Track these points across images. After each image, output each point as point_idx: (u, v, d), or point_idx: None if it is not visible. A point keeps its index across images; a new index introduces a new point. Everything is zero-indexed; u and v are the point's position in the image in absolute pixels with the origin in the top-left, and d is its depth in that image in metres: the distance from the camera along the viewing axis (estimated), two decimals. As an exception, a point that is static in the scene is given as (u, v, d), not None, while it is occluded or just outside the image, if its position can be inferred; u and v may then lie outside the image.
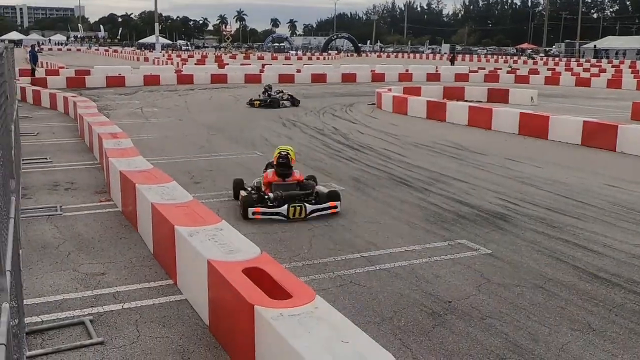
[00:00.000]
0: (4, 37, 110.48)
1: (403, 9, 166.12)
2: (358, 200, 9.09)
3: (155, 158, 12.03)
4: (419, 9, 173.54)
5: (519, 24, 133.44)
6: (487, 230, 7.67)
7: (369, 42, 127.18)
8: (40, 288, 5.68)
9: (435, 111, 19.40)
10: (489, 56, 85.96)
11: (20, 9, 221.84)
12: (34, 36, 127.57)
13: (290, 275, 4.50)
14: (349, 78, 36.07)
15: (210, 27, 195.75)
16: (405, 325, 4.99)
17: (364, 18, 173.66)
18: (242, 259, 4.78)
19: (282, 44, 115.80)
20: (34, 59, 32.94)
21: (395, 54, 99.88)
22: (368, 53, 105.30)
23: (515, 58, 78.07)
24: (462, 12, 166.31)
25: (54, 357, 4.47)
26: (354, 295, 5.60)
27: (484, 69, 45.69)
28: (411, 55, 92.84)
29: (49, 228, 7.55)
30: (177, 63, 48.46)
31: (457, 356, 4.53)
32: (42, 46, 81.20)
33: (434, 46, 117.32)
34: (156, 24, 65.50)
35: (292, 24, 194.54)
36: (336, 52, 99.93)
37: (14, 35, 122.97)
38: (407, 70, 39.55)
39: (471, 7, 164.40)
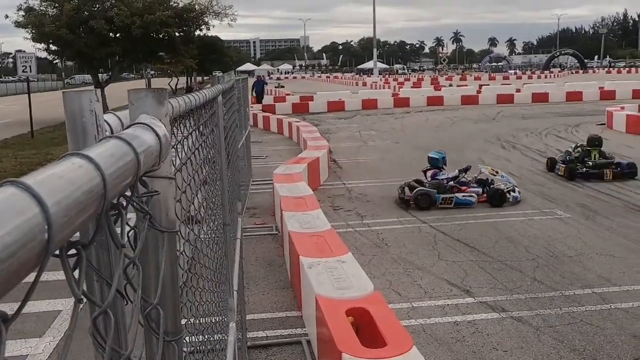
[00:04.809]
0: (239, 68, 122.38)
1: (637, 19, 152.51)
2: (587, 230, 8.32)
3: (371, 180, 12.28)
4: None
5: None
6: None
7: (596, 57, 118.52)
8: (266, 304, 6.01)
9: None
10: None
11: (254, 42, 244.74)
12: (265, 66, 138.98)
13: (393, 320, 4.11)
14: (574, 96, 33.68)
15: (426, 50, 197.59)
16: (648, 376, 4.39)
17: (591, 32, 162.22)
18: (351, 296, 4.51)
19: (500, 64, 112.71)
20: (257, 90, 34.67)
21: (627, 69, 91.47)
22: (595, 69, 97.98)
23: None
24: None
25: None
26: (585, 336, 5.07)
27: None
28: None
29: (275, 247, 7.99)
30: (394, 87, 49.36)
31: None
32: (271, 76, 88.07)
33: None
34: (374, 50, 67.73)
35: (511, 42, 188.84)
36: (559, 69, 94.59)
37: (248, 66, 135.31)
38: (642, 86, 35.89)
39: None
